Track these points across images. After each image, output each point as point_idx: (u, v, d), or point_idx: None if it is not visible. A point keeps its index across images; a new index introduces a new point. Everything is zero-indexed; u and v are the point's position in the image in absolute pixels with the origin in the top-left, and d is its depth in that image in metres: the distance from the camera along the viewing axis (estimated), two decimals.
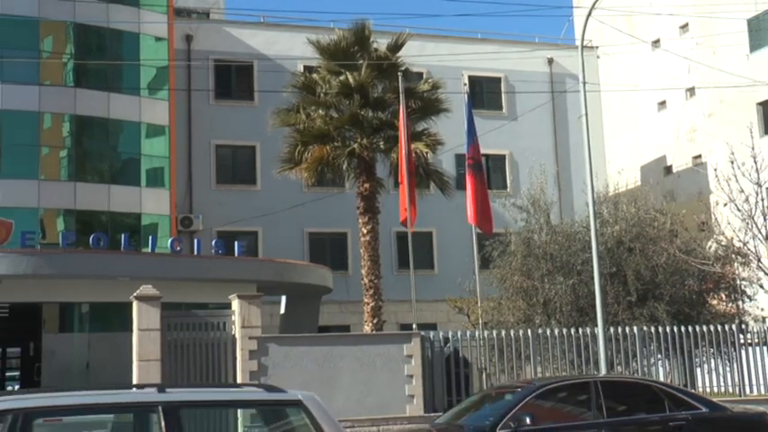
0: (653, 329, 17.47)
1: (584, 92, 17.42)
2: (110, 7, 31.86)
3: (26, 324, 28.40)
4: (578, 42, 18.73)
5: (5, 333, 29.51)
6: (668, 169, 39.00)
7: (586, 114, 17.47)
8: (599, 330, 16.48)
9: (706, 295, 20.92)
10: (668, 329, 17.43)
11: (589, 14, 17.95)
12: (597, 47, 38.39)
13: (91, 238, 27.00)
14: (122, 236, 27.58)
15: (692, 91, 37.91)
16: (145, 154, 32.66)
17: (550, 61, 38.63)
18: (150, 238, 28.88)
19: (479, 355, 16.54)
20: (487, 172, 37.13)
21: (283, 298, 30.28)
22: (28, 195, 29.71)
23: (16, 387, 31.91)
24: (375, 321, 23.17)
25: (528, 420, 10.99)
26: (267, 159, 31.33)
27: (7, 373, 32.57)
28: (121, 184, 31.75)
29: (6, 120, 30.15)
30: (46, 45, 31.61)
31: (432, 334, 16.49)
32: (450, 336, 16.58)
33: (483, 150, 21.44)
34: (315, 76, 25.20)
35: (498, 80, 38.24)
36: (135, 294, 15.14)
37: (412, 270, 18.77)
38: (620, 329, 17.38)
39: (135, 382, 14.91)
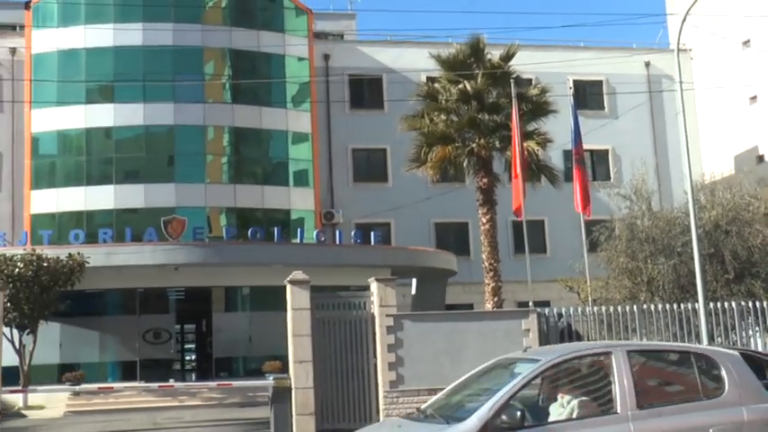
0: (750, 304, 16.76)
1: (681, 92, 16.81)
2: (260, 34, 32.72)
3: (199, 305, 29.52)
4: (674, 46, 18.11)
5: (183, 313, 30.73)
6: (760, 158, 37.27)
7: (684, 112, 16.89)
8: (699, 305, 15.95)
9: None
10: (765, 304, 16.69)
11: (683, 21, 17.32)
12: (691, 49, 37.08)
13: (249, 232, 27.88)
14: (275, 229, 28.36)
15: None
16: (292, 158, 33.39)
17: (647, 64, 37.59)
18: (298, 230, 29.58)
19: (589, 329, 16.22)
20: (592, 165, 36.48)
21: (414, 280, 30.51)
22: (197, 196, 30.82)
23: (193, 357, 33.21)
24: (495, 300, 23.04)
25: None
26: (397, 160, 31.56)
27: (185, 346, 33.86)
28: (273, 184, 32.55)
29: (179, 133, 31.38)
30: (208, 69, 32.68)
31: (546, 310, 16.27)
32: (563, 312, 16.32)
33: (588, 147, 20.96)
34: (436, 85, 25.19)
35: (600, 83, 37.49)
36: (288, 279, 15.49)
37: (527, 254, 18.60)
38: (719, 305, 16.75)
39: (291, 354, 15.28)
